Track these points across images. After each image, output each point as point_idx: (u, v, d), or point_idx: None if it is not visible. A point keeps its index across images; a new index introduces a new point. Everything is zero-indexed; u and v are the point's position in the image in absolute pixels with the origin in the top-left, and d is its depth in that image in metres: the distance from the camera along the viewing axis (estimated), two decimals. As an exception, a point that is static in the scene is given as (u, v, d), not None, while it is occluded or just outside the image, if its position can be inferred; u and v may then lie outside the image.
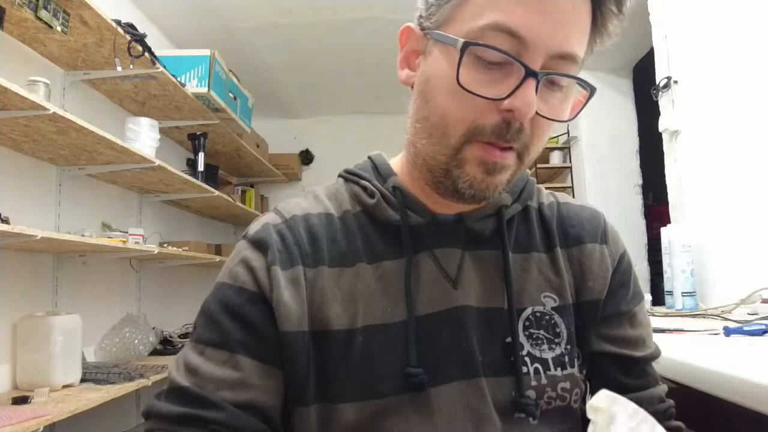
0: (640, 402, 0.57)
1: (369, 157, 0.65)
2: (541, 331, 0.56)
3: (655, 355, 0.60)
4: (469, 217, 0.58)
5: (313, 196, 0.62)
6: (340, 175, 0.64)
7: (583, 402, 0.57)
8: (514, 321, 0.55)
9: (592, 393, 0.57)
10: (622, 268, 0.61)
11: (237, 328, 0.52)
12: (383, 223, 0.58)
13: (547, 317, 0.57)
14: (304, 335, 0.53)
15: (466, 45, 0.47)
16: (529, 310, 0.56)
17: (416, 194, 0.58)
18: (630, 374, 0.58)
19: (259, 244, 0.56)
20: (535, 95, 0.46)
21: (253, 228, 0.58)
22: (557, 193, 0.66)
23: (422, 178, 0.57)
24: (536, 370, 0.54)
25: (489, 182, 0.50)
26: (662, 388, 0.60)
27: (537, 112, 0.48)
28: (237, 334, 0.52)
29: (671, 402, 0.59)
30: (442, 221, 0.58)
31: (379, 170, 0.61)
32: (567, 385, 0.55)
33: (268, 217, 0.59)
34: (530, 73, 0.46)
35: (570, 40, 0.48)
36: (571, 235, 0.61)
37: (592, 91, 0.51)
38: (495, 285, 0.56)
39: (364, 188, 0.60)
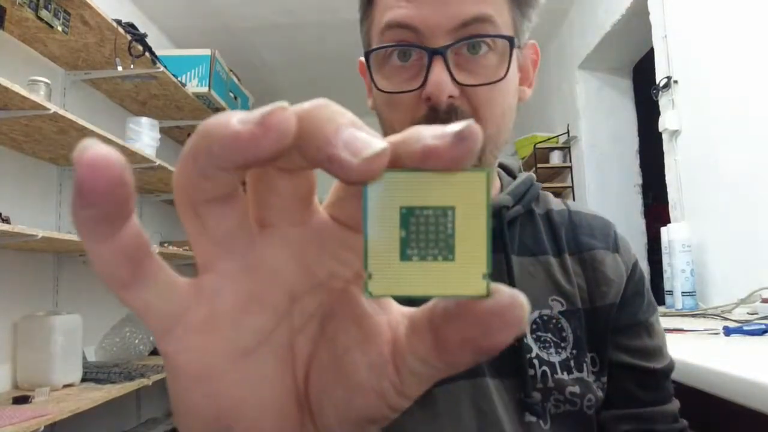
0: (653, 418, 0.56)
1: None
2: (549, 335, 0.55)
3: (671, 367, 0.60)
4: None
5: None
6: None
7: (598, 412, 0.56)
8: None
9: (606, 405, 0.56)
10: (636, 277, 0.61)
11: None
12: None
13: (554, 321, 0.56)
14: None
15: (367, 53, 0.52)
16: (536, 314, 0.56)
17: None
18: (647, 388, 0.58)
19: None
20: (444, 71, 0.47)
21: None
22: (569, 201, 0.66)
23: None
24: (543, 373, 0.53)
25: None
26: (676, 405, 0.59)
27: (462, 83, 0.48)
28: None
29: (685, 423, 0.58)
30: None
31: None
32: (576, 389, 0.54)
33: None
34: (432, 52, 0.48)
35: (467, 6, 0.48)
36: (583, 242, 0.60)
37: (510, 40, 0.50)
38: None
39: None
